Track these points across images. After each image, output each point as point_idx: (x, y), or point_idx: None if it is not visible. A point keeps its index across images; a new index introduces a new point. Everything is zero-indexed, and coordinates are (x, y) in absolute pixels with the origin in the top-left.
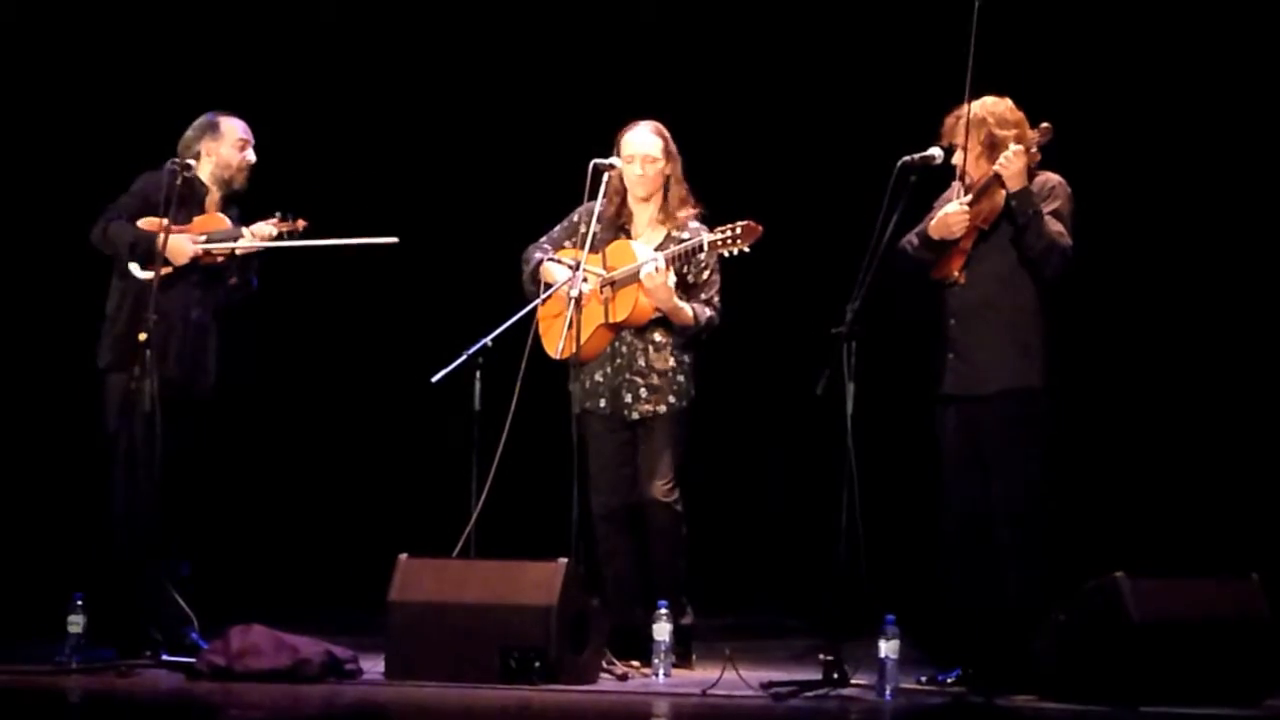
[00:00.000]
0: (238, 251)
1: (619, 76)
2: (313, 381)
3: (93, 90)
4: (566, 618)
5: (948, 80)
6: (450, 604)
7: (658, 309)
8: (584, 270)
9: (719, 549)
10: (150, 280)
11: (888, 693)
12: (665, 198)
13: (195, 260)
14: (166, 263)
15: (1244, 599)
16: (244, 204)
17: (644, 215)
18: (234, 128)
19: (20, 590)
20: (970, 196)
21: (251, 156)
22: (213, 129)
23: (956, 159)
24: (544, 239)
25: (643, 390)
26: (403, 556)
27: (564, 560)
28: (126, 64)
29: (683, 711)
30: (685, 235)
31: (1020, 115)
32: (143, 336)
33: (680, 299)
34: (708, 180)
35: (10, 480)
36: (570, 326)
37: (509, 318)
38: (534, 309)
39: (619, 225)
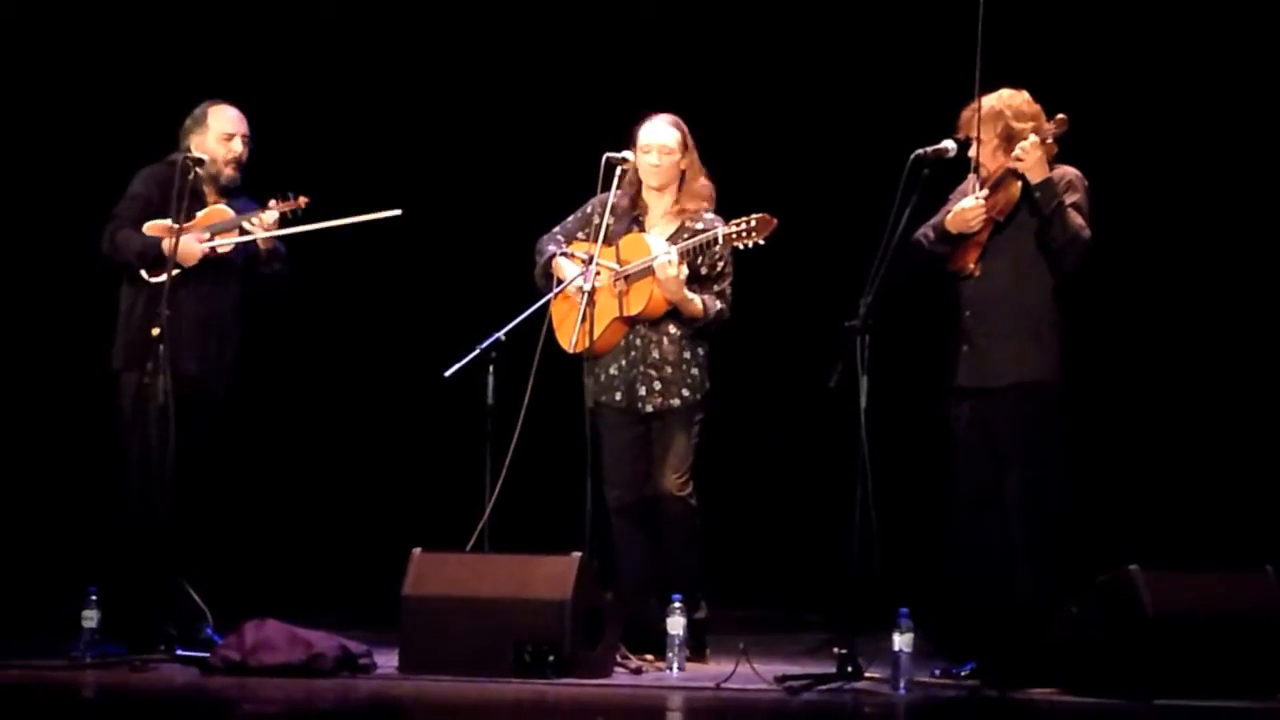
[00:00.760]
0: (249, 242)
1: (633, 68)
2: (326, 376)
3: (100, 84)
4: (580, 612)
5: (961, 73)
6: (464, 598)
7: (670, 299)
8: (597, 264)
9: (733, 542)
10: (162, 282)
11: (902, 686)
12: (680, 190)
13: (205, 257)
14: (178, 265)
15: (1258, 592)
16: (257, 192)
17: (659, 207)
18: (221, 119)
19: (34, 585)
20: (985, 190)
21: (238, 148)
22: (198, 118)
23: (974, 152)
24: (556, 230)
25: (657, 383)
26: (417, 551)
27: (578, 554)
28: (132, 54)
29: (697, 705)
30: (699, 227)
31: (1037, 108)
32: (155, 332)
33: (690, 291)
34: (721, 173)
35: (26, 477)
36: (583, 320)
37: (522, 311)
38: (547, 302)
39: (633, 217)
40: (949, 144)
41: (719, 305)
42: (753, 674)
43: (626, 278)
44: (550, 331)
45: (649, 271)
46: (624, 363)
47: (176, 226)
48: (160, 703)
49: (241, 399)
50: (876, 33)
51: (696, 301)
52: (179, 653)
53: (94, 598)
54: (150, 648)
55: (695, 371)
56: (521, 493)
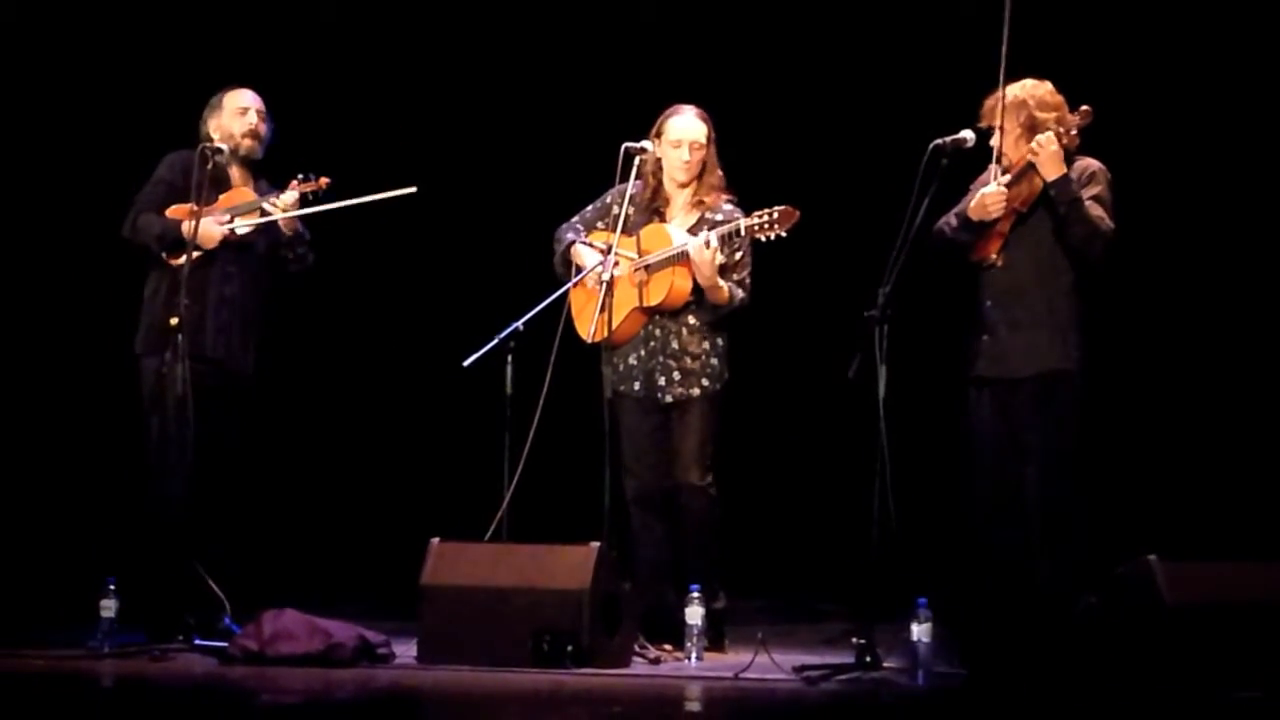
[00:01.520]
0: (272, 222)
1: (653, 57)
2: (345, 366)
3: (120, 72)
4: (599, 601)
5: (981, 62)
6: (482, 588)
7: (701, 284)
8: (615, 253)
9: (751, 532)
10: (183, 264)
11: (920, 676)
12: (699, 181)
13: (226, 240)
14: (198, 248)
15: (1277, 583)
16: (279, 177)
17: (680, 199)
18: (235, 97)
19: (53, 575)
20: (1008, 178)
21: (253, 120)
22: (214, 104)
23: (996, 140)
24: (576, 219)
25: (676, 373)
26: (435, 540)
27: (596, 544)
28: (151, 42)
29: (715, 695)
30: (719, 218)
31: (1060, 99)
32: (174, 321)
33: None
34: (740, 164)
35: (45, 465)
36: (602, 310)
37: (541, 301)
38: (565, 292)
39: (653, 208)
40: (968, 134)
41: (741, 294)
42: (771, 664)
43: (647, 268)
44: (569, 321)
45: (670, 261)
46: (643, 352)
47: (196, 209)
48: (179, 693)
49: (262, 387)
50: (896, 22)
51: (725, 288)
52: (197, 643)
53: (112, 587)
54: (169, 637)
55: (715, 362)
56: (540, 482)
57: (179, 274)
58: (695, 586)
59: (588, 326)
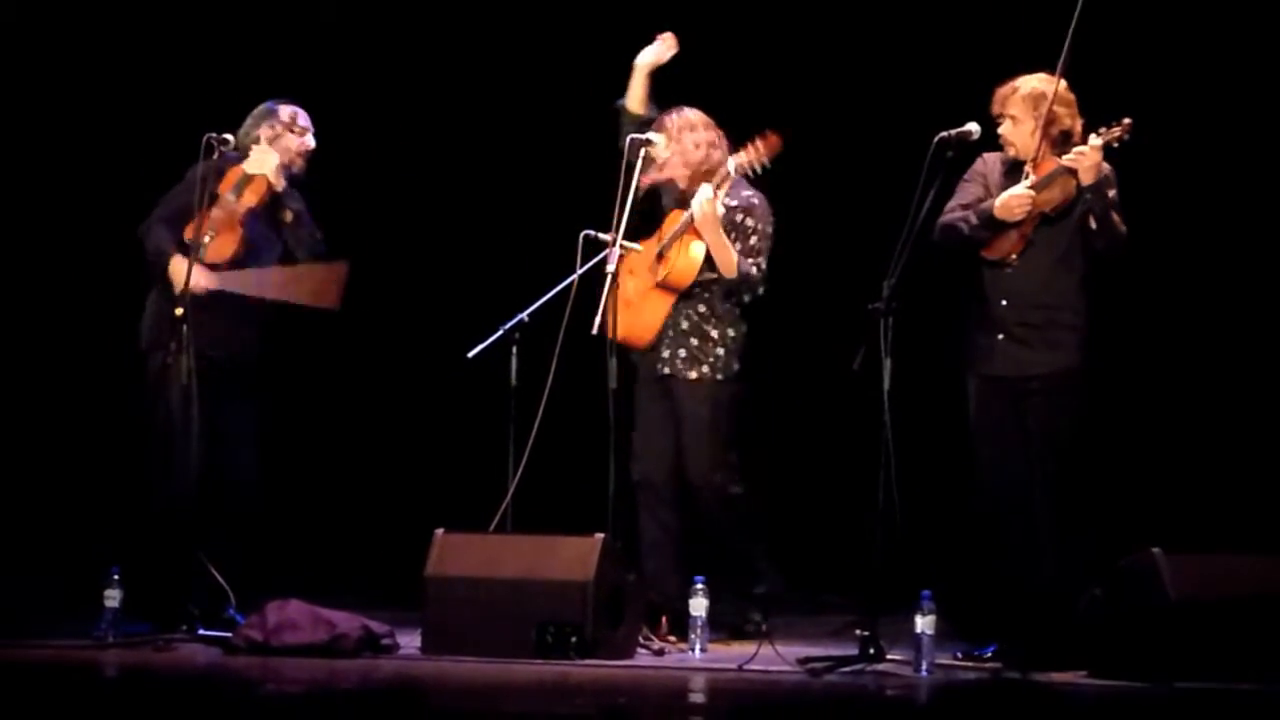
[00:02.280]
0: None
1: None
2: (350, 357)
3: (125, 69)
4: (603, 592)
5: (986, 54)
6: (487, 579)
7: (708, 245)
8: (621, 246)
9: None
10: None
11: (924, 668)
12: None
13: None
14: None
15: None
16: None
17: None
18: (297, 115)
19: (58, 565)
20: (1035, 179)
21: (311, 143)
22: (267, 114)
23: (1006, 130)
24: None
25: (681, 351)
26: (439, 531)
27: (600, 535)
28: (155, 38)
29: (719, 686)
30: (735, 204)
31: (1073, 96)
32: (179, 312)
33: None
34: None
35: (50, 456)
36: (607, 303)
37: (545, 292)
38: (570, 284)
39: (676, 197)
40: (973, 126)
41: (752, 269)
42: (775, 655)
43: (661, 253)
44: (574, 313)
45: (680, 233)
46: (664, 334)
47: (198, 210)
48: (183, 682)
49: (267, 378)
50: (902, 14)
51: (731, 251)
52: (201, 633)
53: (117, 577)
54: (173, 627)
55: (721, 351)
56: (544, 474)
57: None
58: (699, 579)
59: (612, 325)
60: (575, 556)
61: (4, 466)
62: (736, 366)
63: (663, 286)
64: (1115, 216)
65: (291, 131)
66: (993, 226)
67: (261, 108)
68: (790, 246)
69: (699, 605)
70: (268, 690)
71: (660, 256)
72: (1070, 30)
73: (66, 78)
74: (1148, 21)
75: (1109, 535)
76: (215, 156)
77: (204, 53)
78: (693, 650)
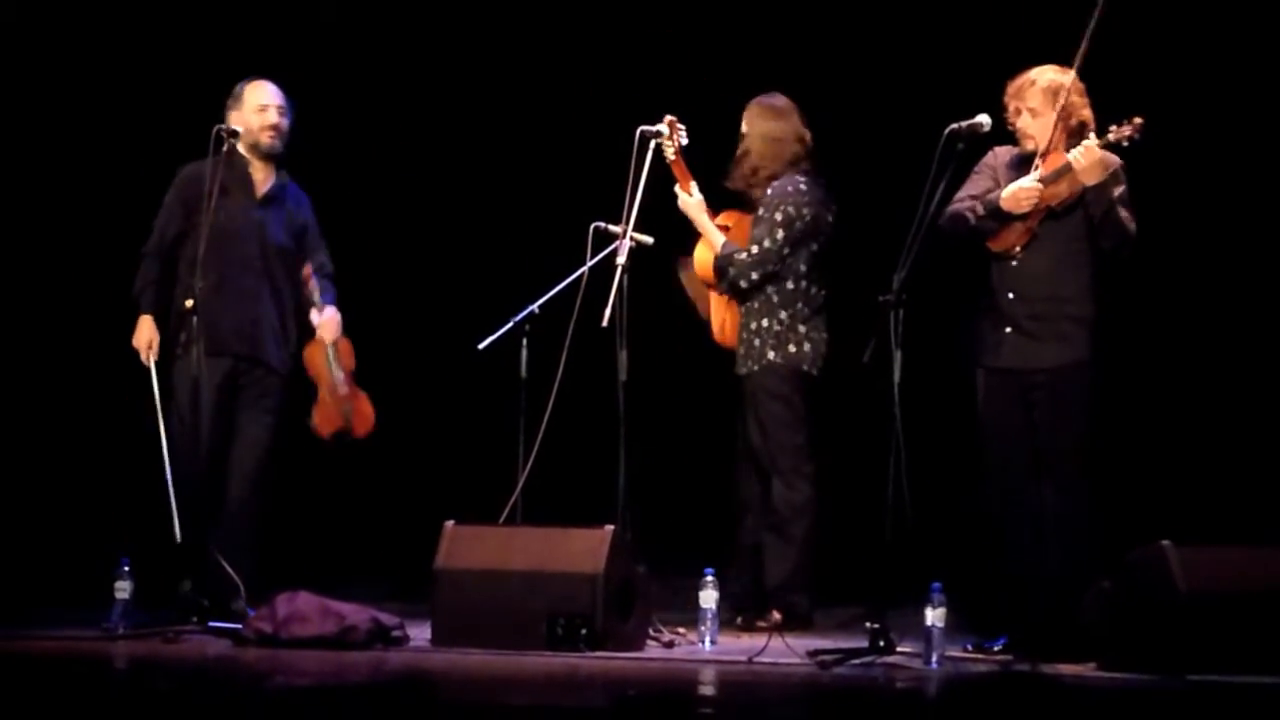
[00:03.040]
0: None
1: (665, 44)
2: (360, 348)
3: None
4: (613, 585)
5: (993, 47)
6: (497, 571)
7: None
8: (631, 237)
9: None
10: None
11: (934, 660)
12: None
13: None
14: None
15: None
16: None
17: None
18: (255, 93)
19: (68, 557)
20: (1044, 172)
21: (273, 117)
22: (236, 95)
23: (1024, 122)
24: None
25: (741, 348)
26: (449, 523)
27: (611, 527)
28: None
29: (729, 678)
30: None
31: (1084, 86)
32: (189, 304)
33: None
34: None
35: (62, 449)
36: (615, 296)
37: (556, 284)
38: (580, 276)
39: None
40: (983, 118)
41: (734, 250)
42: (785, 648)
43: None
44: (583, 304)
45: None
46: None
47: (209, 205)
48: (192, 674)
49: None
50: (911, 7)
51: (714, 233)
52: (211, 625)
53: (127, 569)
54: (183, 619)
55: (757, 343)
56: (554, 466)
57: (189, 266)
58: (709, 571)
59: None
60: (585, 549)
61: (14, 458)
62: (770, 358)
63: (708, 286)
64: (1124, 213)
65: (251, 110)
66: (999, 218)
67: (236, 88)
68: None
69: (709, 598)
70: (277, 682)
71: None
72: (1091, 24)
73: (67, 79)
74: (1160, 13)
75: (1118, 529)
76: (225, 150)
77: (209, 53)
78: (702, 643)
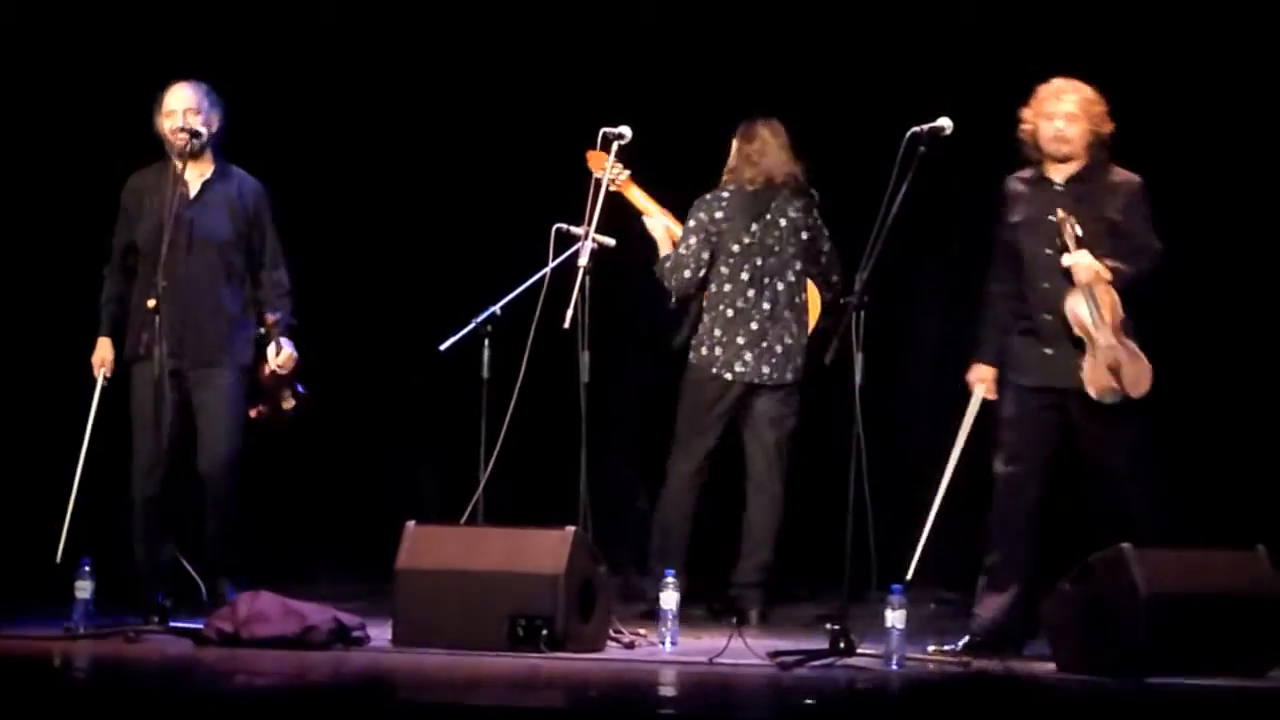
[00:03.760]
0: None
1: (639, 47)
2: (322, 349)
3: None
4: (574, 586)
5: (958, 51)
6: (458, 571)
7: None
8: (593, 239)
9: (725, 517)
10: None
11: (895, 662)
12: None
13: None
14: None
15: (1250, 571)
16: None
17: None
18: (165, 99)
19: (28, 556)
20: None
21: (178, 122)
22: (156, 102)
23: (1063, 126)
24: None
25: None
26: (411, 524)
27: (572, 528)
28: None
29: (689, 679)
30: None
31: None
32: (151, 303)
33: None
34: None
35: (22, 448)
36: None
37: (517, 285)
38: (542, 277)
39: None
40: (945, 122)
41: (664, 252)
42: (745, 649)
43: None
44: (545, 306)
45: None
46: None
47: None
48: (154, 674)
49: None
50: (880, 10)
51: (656, 233)
52: (172, 624)
53: (88, 569)
54: (144, 619)
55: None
56: (516, 467)
57: (149, 271)
58: (669, 571)
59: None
60: (546, 549)
61: None
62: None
63: None
64: (1143, 241)
65: (162, 115)
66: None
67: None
68: None
69: (669, 599)
70: (238, 682)
71: None
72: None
73: (67, 80)
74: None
75: (1078, 531)
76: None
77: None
78: (663, 643)
